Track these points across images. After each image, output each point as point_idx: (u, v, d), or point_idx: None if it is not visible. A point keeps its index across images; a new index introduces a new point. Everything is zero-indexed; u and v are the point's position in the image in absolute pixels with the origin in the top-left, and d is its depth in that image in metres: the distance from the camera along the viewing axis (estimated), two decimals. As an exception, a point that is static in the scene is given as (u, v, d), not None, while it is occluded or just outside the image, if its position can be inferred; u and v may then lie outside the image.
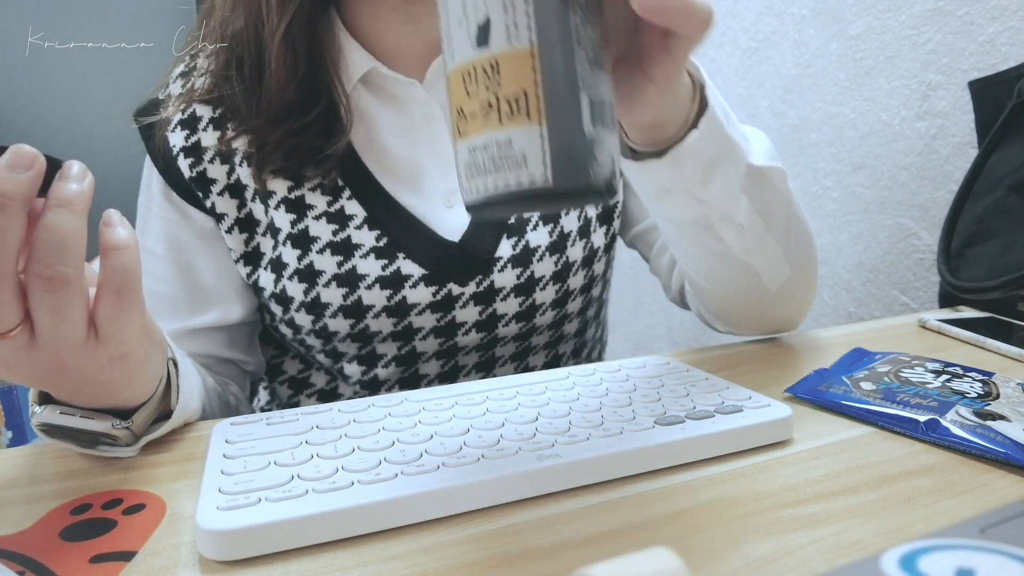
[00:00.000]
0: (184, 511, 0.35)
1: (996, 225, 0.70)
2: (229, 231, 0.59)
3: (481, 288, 0.59)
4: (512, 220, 0.61)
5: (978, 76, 0.79)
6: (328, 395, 0.66)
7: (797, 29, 1.08)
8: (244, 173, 0.58)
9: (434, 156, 0.61)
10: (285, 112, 0.55)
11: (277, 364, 0.68)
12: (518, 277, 0.60)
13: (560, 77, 0.26)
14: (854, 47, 0.99)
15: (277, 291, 0.59)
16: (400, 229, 0.58)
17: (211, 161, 0.58)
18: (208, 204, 0.58)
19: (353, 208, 0.58)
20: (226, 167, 0.58)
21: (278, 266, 0.58)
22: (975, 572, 0.16)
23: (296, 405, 0.67)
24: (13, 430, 0.87)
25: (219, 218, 0.59)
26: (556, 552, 0.31)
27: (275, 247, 0.58)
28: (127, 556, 0.31)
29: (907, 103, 0.93)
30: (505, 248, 0.60)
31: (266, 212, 0.58)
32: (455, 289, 0.59)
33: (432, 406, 0.42)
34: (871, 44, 0.96)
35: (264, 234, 0.59)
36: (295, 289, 0.58)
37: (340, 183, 0.58)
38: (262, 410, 0.72)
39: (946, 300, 0.76)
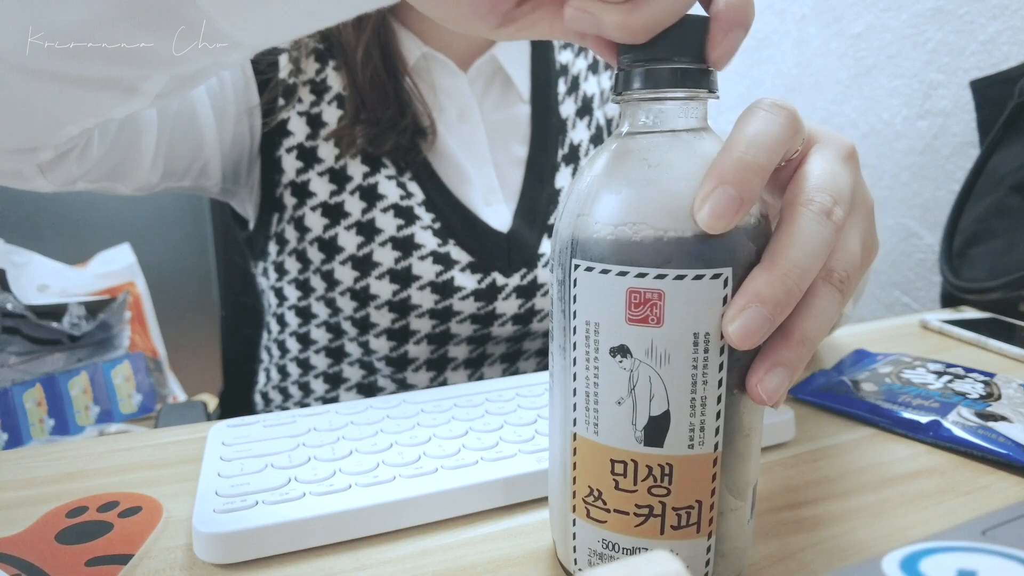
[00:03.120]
0: (180, 514, 0.34)
1: (998, 225, 0.69)
2: (289, 151, 0.58)
3: (524, 282, 0.60)
4: (552, 220, 0.62)
5: (979, 75, 0.79)
6: (332, 378, 0.65)
7: (798, 28, 1.08)
8: (331, 113, 0.58)
9: (470, 153, 0.61)
10: (380, 118, 0.57)
11: (280, 341, 0.68)
12: None
13: None
14: (855, 46, 0.99)
15: (326, 237, 0.58)
16: (454, 216, 0.59)
17: (305, 84, 0.58)
18: (283, 115, 0.57)
19: (413, 188, 0.59)
20: (313, 96, 0.58)
21: (336, 213, 0.58)
22: (976, 574, 0.16)
23: (304, 386, 0.66)
24: (8, 432, 0.87)
25: (285, 134, 0.58)
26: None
27: (336, 192, 0.58)
28: (123, 559, 0.30)
29: (908, 102, 0.92)
30: (547, 246, 0.62)
31: (337, 158, 0.58)
32: (499, 279, 0.60)
33: (430, 408, 0.42)
34: (872, 43, 0.96)
35: (322, 175, 0.58)
36: (349, 241, 0.58)
37: (403, 164, 0.59)
38: (261, 393, 0.71)
39: (948, 300, 0.75)
